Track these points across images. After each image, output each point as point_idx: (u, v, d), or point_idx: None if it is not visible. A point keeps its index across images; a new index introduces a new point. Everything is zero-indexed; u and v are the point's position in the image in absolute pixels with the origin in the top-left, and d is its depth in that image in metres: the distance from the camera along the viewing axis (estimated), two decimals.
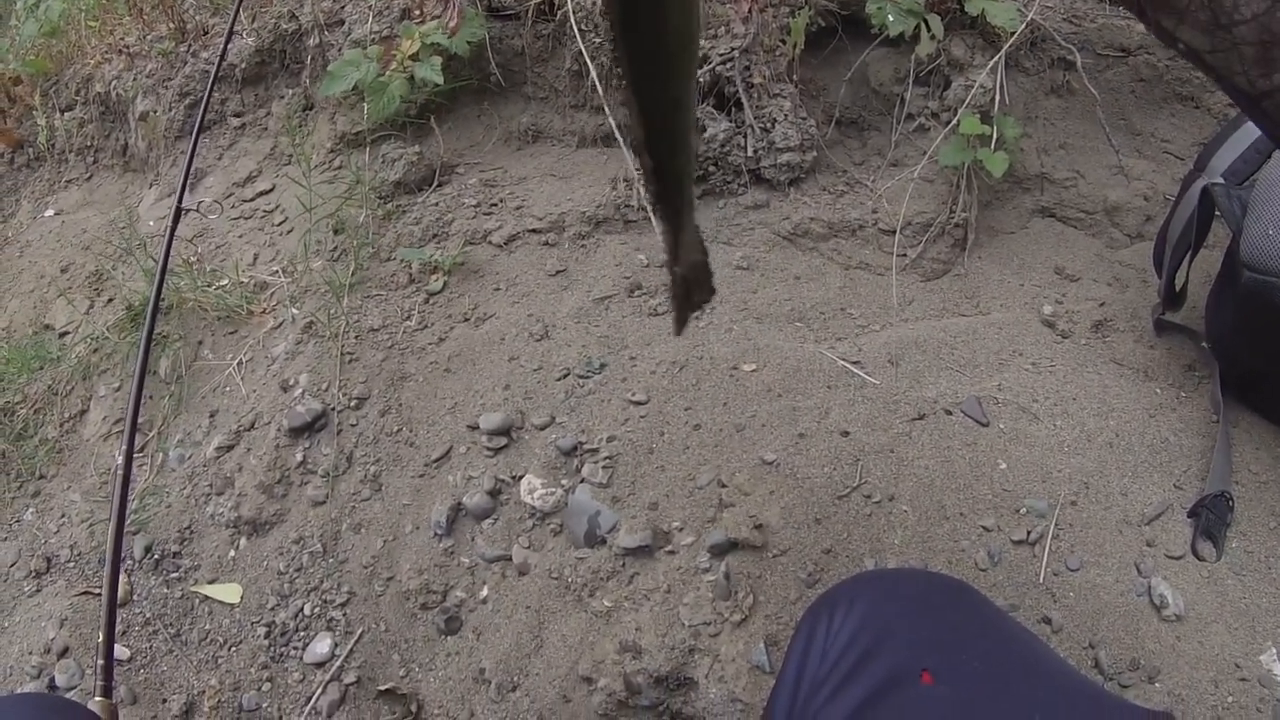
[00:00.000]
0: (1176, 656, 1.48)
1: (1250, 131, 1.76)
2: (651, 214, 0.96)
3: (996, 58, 2.14)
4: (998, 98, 2.14)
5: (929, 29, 2.15)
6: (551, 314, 2.09)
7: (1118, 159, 2.28)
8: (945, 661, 0.94)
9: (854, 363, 1.92)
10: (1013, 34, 2.14)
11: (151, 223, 2.69)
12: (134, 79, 2.91)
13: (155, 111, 2.83)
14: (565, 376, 1.96)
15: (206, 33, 2.87)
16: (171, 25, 2.90)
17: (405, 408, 1.99)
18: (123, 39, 3.07)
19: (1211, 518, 1.62)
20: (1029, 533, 1.63)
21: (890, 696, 0.92)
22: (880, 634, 0.99)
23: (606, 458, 1.81)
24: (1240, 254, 1.59)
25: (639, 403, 1.89)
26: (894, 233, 2.16)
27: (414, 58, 2.30)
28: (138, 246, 2.52)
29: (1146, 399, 1.85)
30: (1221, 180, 1.74)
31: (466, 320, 2.12)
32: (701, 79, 2.18)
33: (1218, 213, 1.73)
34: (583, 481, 1.80)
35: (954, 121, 2.11)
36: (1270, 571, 1.57)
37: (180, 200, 1.85)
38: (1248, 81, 0.48)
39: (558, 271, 2.19)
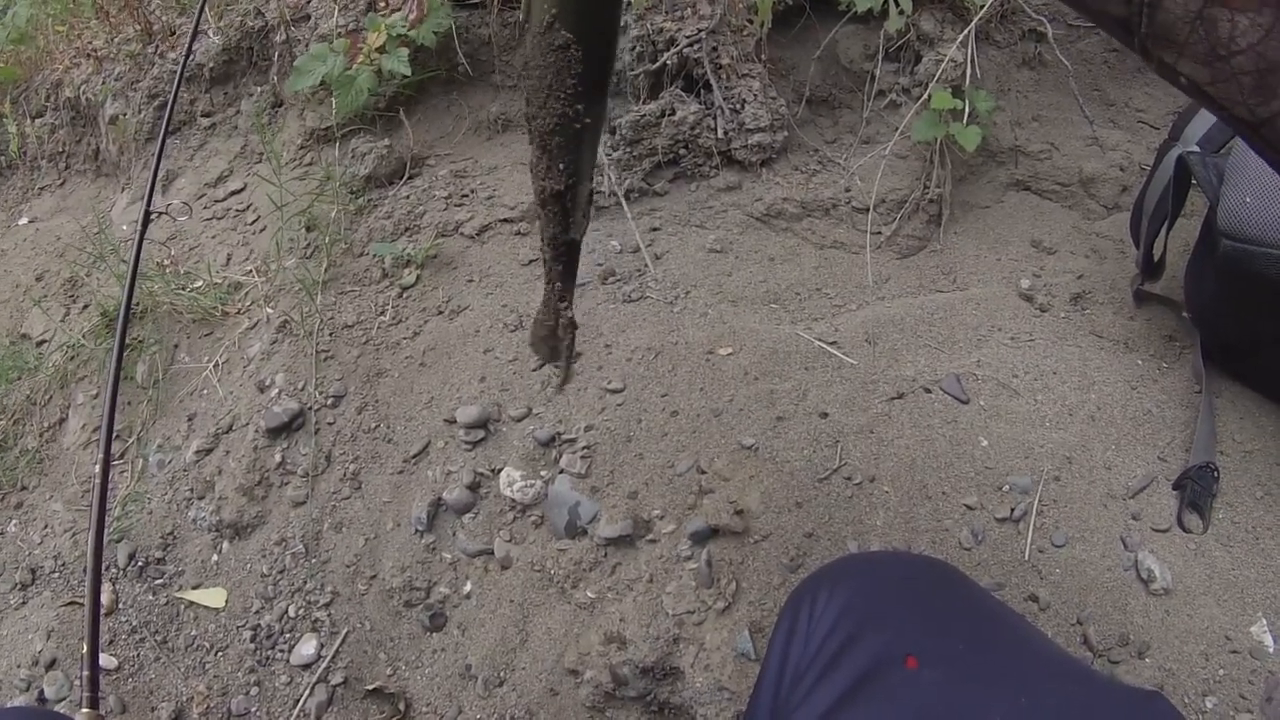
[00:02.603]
0: (1166, 630, 1.47)
1: None
2: (545, 271, 0.98)
3: (966, 31, 2.11)
4: (969, 71, 2.11)
5: (898, 4, 2.11)
6: (525, 304, 2.06)
7: (1092, 130, 2.25)
8: (930, 645, 0.93)
9: (831, 343, 1.90)
10: (982, 7, 2.11)
11: (125, 227, 2.66)
12: (103, 82, 2.88)
13: (125, 115, 2.80)
14: (541, 367, 1.93)
15: (174, 33, 2.84)
16: (138, 27, 2.86)
17: (382, 404, 1.97)
18: (90, 42, 3.04)
19: (1197, 489, 1.61)
20: (1012, 510, 1.62)
21: (875, 682, 0.90)
22: (864, 619, 0.97)
23: (584, 447, 1.79)
24: (1218, 222, 1.58)
25: (615, 391, 1.87)
26: (868, 210, 2.14)
27: (380, 50, 2.27)
28: (110, 252, 2.49)
29: (1128, 371, 1.84)
30: (1197, 148, 1.73)
31: (440, 313, 2.10)
32: (669, 61, 2.15)
33: (1194, 181, 1.70)
34: (561, 472, 1.78)
35: (925, 96, 2.09)
36: (1259, 542, 1.55)
37: (148, 204, 1.82)
38: (1248, 110, 0.49)
39: (530, 261, 2.16)
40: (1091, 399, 1.78)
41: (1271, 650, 1.43)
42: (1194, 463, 1.64)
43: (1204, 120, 1.76)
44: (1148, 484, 1.65)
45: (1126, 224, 1.99)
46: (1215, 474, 1.62)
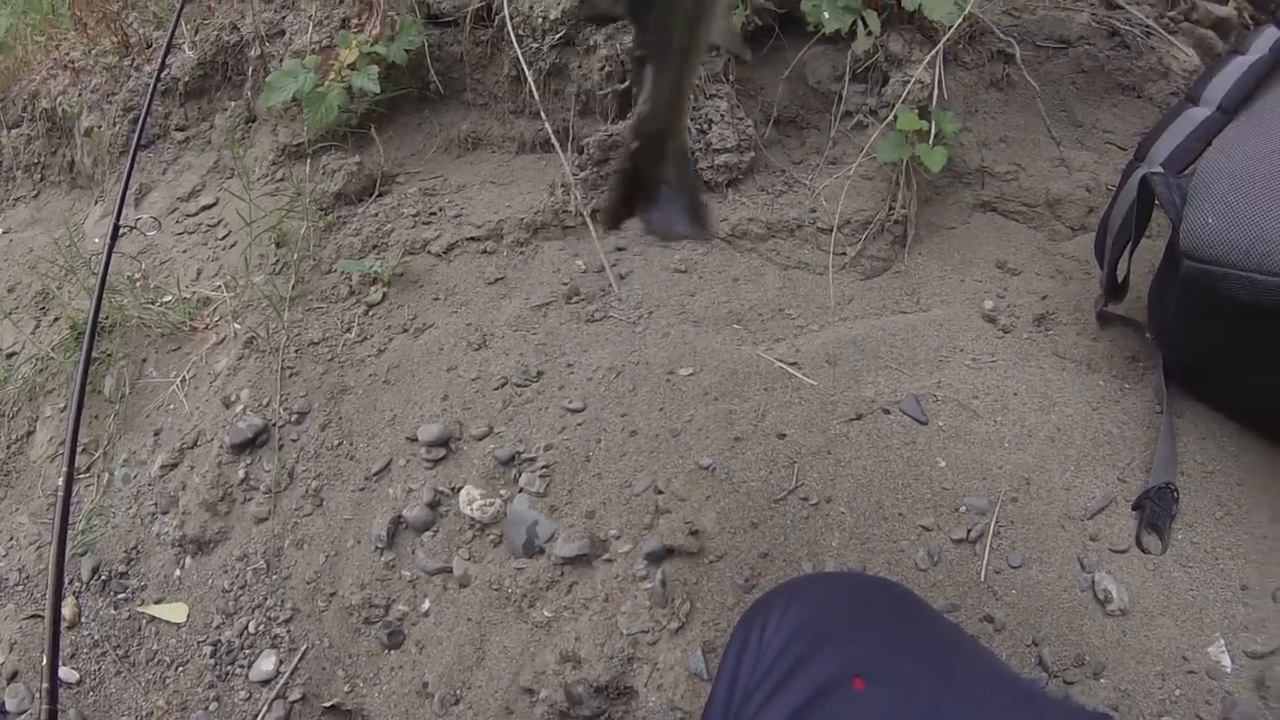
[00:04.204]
0: (1122, 651, 1.47)
1: (1191, 119, 1.77)
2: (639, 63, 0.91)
3: (933, 52, 2.13)
4: (936, 93, 2.13)
5: (866, 25, 2.13)
6: (490, 322, 2.08)
7: (1059, 151, 2.27)
8: (878, 666, 0.94)
9: (791, 364, 1.91)
10: (950, 28, 2.12)
11: (97, 240, 2.67)
12: (79, 94, 2.90)
13: (100, 127, 2.81)
14: (503, 385, 1.95)
15: (150, 46, 2.85)
16: (115, 39, 2.88)
17: (345, 421, 1.98)
18: (68, 54, 3.05)
19: (1156, 510, 1.61)
20: (969, 531, 1.63)
21: (823, 704, 0.92)
22: (814, 640, 0.99)
23: (544, 467, 1.81)
24: (1180, 243, 1.58)
25: (575, 410, 1.88)
26: (832, 231, 2.15)
27: (352, 67, 2.29)
28: (81, 264, 2.50)
29: (1089, 392, 1.84)
30: (1160, 169, 1.73)
31: (405, 331, 2.11)
32: None
33: (1157, 202, 1.70)
34: (521, 491, 1.79)
35: (891, 117, 2.10)
36: (1218, 562, 1.56)
37: (118, 218, 1.85)
38: None
39: (496, 279, 2.18)
40: (1052, 420, 1.79)
41: (1229, 670, 1.44)
42: (1154, 483, 1.64)
43: (1169, 141, 1.78)
44: (1106, 505, 1.65)
45: (1092, 245, 2.00)
46: (1175, 494, 1.63)
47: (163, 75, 2.65)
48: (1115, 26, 2.34)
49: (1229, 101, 1.72)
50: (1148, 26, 2.34)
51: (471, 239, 2.25)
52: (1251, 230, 1.47)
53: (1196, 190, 1.59)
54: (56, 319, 2.55)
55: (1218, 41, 2.43)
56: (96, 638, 1.86)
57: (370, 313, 2.17)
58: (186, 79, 2.73)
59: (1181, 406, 1.78)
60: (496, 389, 1.95)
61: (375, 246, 2.28)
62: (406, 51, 2.33)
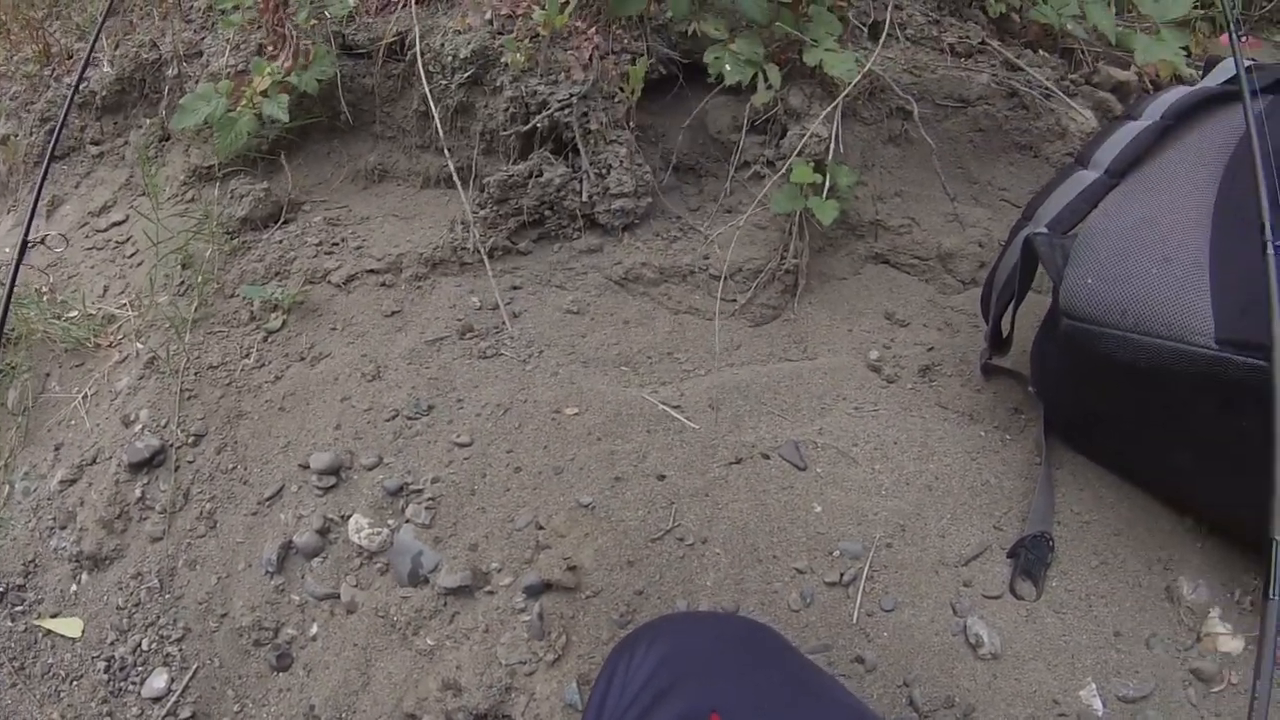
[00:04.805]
0: (993, 694, 1.55)
1: (1079, 181, 1.85)
2: None
3: (831, 106, 2.23)
4: (833, 146, 2.22)
5: (766, 79, 2.24)
6: (384, 354, 2.16)
7: (953, 206, 2.38)
8: (734, 701, 1.03)
9: (675, 407, 2.01)
10: (850, 84, 2.22)
11: (8, 250, 2.72)
12: None
13: (16, 135, 2.86)
14: (394, 417, 2.04)
15: (71, 57, 2.91)
16: (36, 47, 2.93)
17: (241, 445, 2.06)
18: None
19: (1031, 557, 1.69)
20: (842, 575, 1.71)
21: None
22: (677, 674, 1.08)
23: (430, 499, 1.90)
24: (1060, 301, 1.66)
25: (463, 444, 1.97)
26: (722, 278, 2.26)
27: (264, 94, 2.36)
28: None
29: (970, 442, 1.94)
30: (1045, 230, 1.82)
31: (303, 359, 2.19)
32: (540, 124, 2.27)
33: (1041, 261, 1.79)
34: (407, 522, 1.88)
35: (786, 169, 2.20)
36: (1091, 609, 1.64)
37: (27, 231, 1.89)
38: None
39: (393, 312, 2.26)
40: (930, 468, 1.88)
41: (1100, 714, 1.52)
42: (1029, 531, 1.72)
43: (1057, 201, 1.86)
44: (981, 552, 1.74)
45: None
46: (1050, 543, 1.71)
47: (81, 88, 2.71)
48: (1015, 87, 2.46)
49: (1117, 165, 1.80)
50: (1047, 88, 2.47)
51: (371, 271, 2.33)
52: (1128, 291, 1.57)
53: (1078, 251, 1.68)
54: None
55: (1117, 105, 2.55)
56: None
57: (269, 339, 2.24)
58: (104, 93, 2.79)
59: (1061, 458, 1.88)
60: (388, 420, 2.04)
61: (278, 273, 2.35)
62: (318, 81, 2.41)
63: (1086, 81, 2.59)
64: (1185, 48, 2.44)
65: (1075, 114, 2.47)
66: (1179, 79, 2.46)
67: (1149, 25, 2.49)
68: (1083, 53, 2.65)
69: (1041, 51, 2.63)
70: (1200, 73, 2.17)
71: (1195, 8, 2.57)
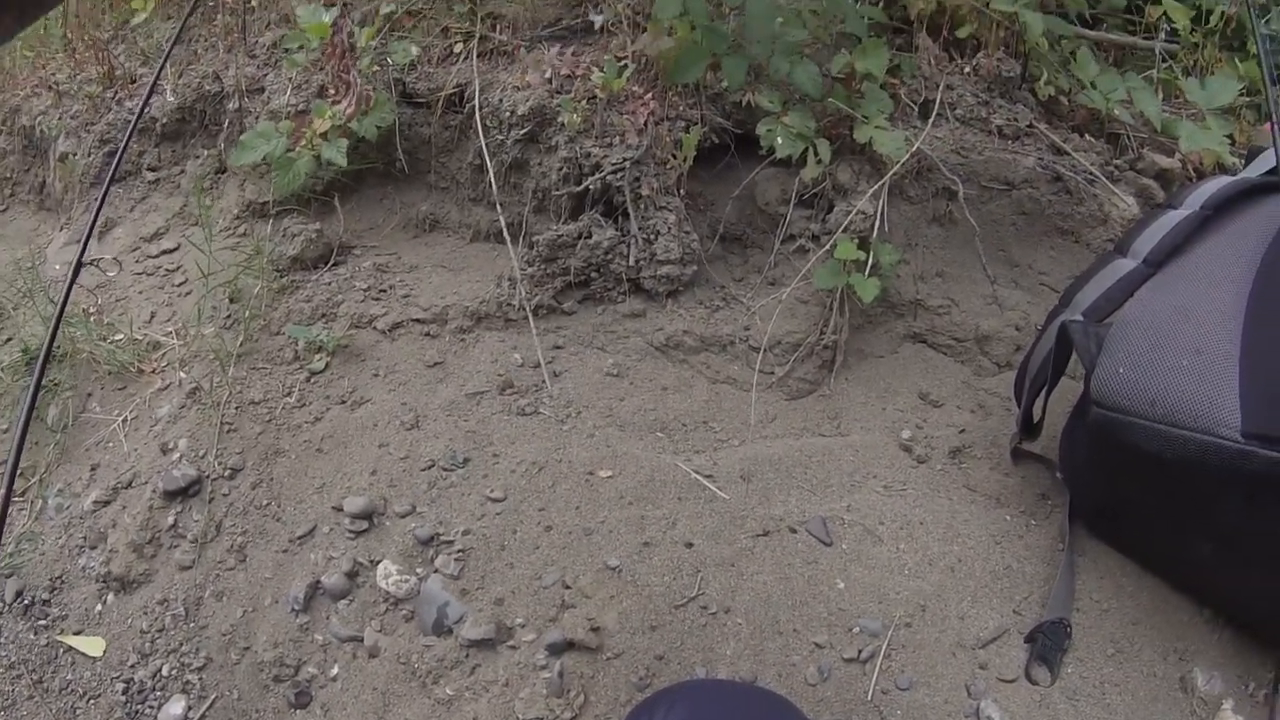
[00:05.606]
0: None
1: (1117, 269, 1.86)
2: None
3: (879, 184, 2.27)
4: (878, 224, 2.25)
5: (816, 154, 2.27)
6: (424, 404, 2.20)
7: (993, 289, 2.40)
8: None
9: (707, 476, 2.04)
10: (898, 163, 2.25)
11: (58, 266, 2.78)
12: (59, 118, 3.00)
13: (74, 154, 2.92)
14: (430, 468, 2.07)
15: (134, 81, 2.97)
16: (101, 69, 3.00)
17: (276, 483, 2.09)
18: (54, 75, 3.16)
19: (1048, 643, 1.70)
20: (860, 651, 1.72)
21: None
22: None
23: (460, 551, 1.92)
24: (1091, 390, 1.68)
25: (496, 500, 2.01)
26: (761, 350, 2.28)
27: (324, 137, 2.42)
28: (39, 290, 2.61)
29: (995, 525, 1.96)
30: (1081, 317, 1.83)
31: (343, 403, 2.23)
32: (592, 186, 2.31)
33: (1075, 349, 1.79)
34: (436, 572, 1.90)
35: (831, 244, 2.23)
36: (1104, 697, 1.65)
37: (82, 254, 1.92)
38: None
39: (435, 363, 2.30)
40: (954, 550, 1.90)
41: None
42: (1048, 617, 1.73)
43: (1094, 289, 1.87)
44: (999, 635, 1.75)
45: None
46: (1068, 629, 1.72)
47: (143, 114, 2.76)
48: (1060, 172, 2.48)
49: (1155, 255, 1.80)
50: (1091, 174, 2.48)
51: (417, 320, 2.37)
52: (1159, 382, 1.58)
53: (1112, 340, 1.69)
54: (9, 339, 2.65)
55: (1159, 191, 2.56)
56: (13, 660, 1.94)
57: (312, 380, 2.28)
58: (165, 120, 2.85)
59: (1084, 545, 1.89)
60: (424, 470, 2.07)
61: (324, 315, 2.39)
62: (378, 128, 2.46)
63: (1131, 167, 2.60)
64: (1230, 135, 2.46)
65: (1118, 200, 2.48)
66: (1222, 167, 2.47)
67: (1195, 112, 2.52)
68: (1128, 138, 2.66)
69: (1088, 136, 2.64)
70: (1243, 162, 2.19)
71: (1241, 94, 2.58)
